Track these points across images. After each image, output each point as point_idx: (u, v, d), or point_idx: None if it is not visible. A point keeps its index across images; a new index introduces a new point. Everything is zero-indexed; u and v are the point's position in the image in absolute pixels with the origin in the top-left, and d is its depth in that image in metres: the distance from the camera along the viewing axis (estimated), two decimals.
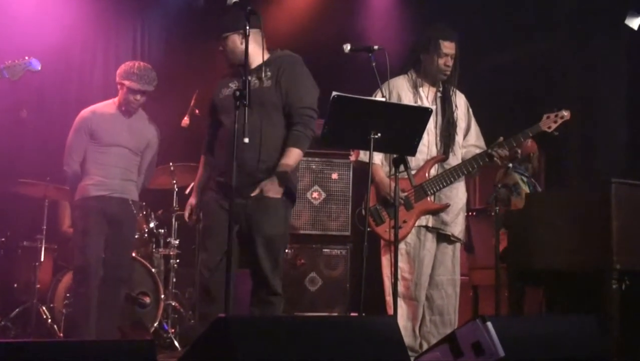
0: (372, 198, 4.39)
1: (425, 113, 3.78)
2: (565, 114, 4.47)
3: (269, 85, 4.01)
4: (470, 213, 6.35)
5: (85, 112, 4.99)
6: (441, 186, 4.38)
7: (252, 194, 3.91)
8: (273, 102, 3.99)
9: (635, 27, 6.85)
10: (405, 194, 4.32)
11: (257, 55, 4.01)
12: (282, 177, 3.93)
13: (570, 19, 7.21)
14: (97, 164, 4.89)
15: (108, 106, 5.02)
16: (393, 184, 3.87)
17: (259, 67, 4.04)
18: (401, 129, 3.73)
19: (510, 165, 4.78)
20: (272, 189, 3.92)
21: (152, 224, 6.02)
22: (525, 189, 5.72)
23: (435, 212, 4.40)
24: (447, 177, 4.39)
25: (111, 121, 4.96)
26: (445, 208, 4.40)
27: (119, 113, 4.99)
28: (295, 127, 3.99)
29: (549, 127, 4.47)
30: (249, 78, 3.77)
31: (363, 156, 4.39)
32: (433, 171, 4.42)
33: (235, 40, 4.04)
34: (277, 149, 3.98)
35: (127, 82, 4.87)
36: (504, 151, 4.39)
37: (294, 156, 3.97)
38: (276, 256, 3.97)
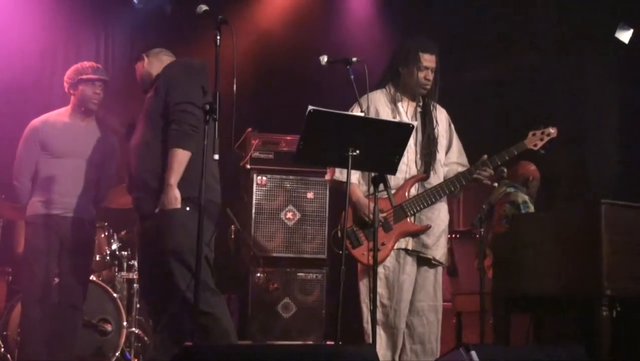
0: (349, 220, 4.37)
1: (407, 129, 3.79)
2: (552, 131, 4.47)
3: (151, 95, 4.14)
4: (453, 235, 6.37)
5: (35, 121, 4.90)
6: (422, 206, 4.38)
7: (156, 210, 3.95)
8: (157, 111, 4.08)
9: (626, 41, 6.95)
10: (384, 215, 4.30)
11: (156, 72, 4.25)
12: (167, 187, 3.93)
13: (557, 32, 7.29)
14: (48, 179, 4.78)
15: (61, 114, 4.92)
16: (371, 204, 3.87)
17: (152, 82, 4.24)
18: (381, 146, 3.73)
19: (496, 184, 4.80)
20: (167, 201, 3.92)
21: (114, 246, 5.97)
22: (532, 208, 5.77)
23: (415, 234, 4.40)
24: (428, 197, 4.39)
25: (65, 130, 4.85)
26: (425, 229, 4.39)
27: (74, 121, 4.89)
28: (170, 127, 4.00)
29: (535, 145, 4.47)
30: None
31: (339, 174, 4.38)
32: (413, 191, 4.42)
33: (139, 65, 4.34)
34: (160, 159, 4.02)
35: (83, 77, 4.81)
36: (488, 171, 4.40)
37: (173, 157, 3.95)
38: (188, 267, 3.92)
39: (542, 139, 4.47)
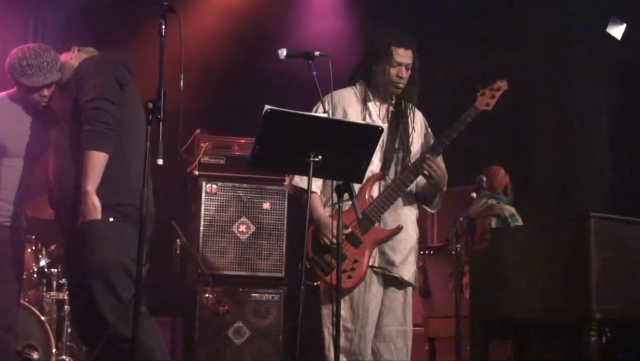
0: (312, 243, 4.34)
1: (375, 132, 3.79)
2: (502, 84, 4.45)
3: (64, 93, 4.14)
4: (426, 251, 6.40)
5: None
6: (385, 207, 4.37)
7: (77, 224, 3.93)
8: (68, 111, 4.08)
9: (618, 36, 7.05)
10: (349, 230, 4.30)
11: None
12: (84, 195, 3.90)
13: (544, 28, 7.38)
14: None
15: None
16: (334, 223, 3.85)
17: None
18: (346, 150, 3.73)
19: (474, 194, 4.83)
20: (86, 210, 3.90)
21: (42, 263, 5.89)
22: (521, 221, 5.81)
23: (388, 239, 4.38)
24: (389, 196, 4.37)
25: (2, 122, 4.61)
26: (397, 231, 4.37)
27: (13, 110, 4.72)
28: (82, 127, 3.96)
29: (487, 105, 4.45)
30: None
31: (298, 180, 4.37)
32: (375, 192, 4.41)
33: None
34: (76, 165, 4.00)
35: (24, 81, 4.57)
36: (429, 162, 4.34)
37: (87, 161, 3.91)
38: (112, 287, 3.90)
39: (493, 97, 4.44)
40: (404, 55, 4.42)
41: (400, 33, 4.48)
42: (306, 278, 4.27)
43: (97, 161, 3.92)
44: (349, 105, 4.46)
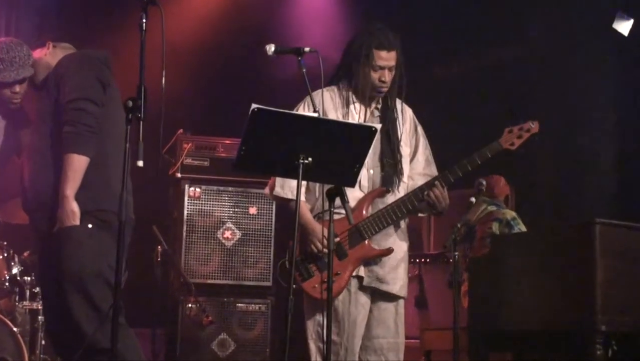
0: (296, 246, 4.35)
1: (369, 133, 3.79)
2: (533, 126, 4.46)
3: (42, 93, 4.15)
4: (422, 260, 6.41)
5: None
6: (380, 226, 4.36)
7: (54, 230, 3.93)
8: (47, 112, 4.09)
9: (625, 32, 7.08)
10: (337, 239, 4.29)
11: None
12: (63, 199, 3.91)
13: (546, 21, 7.40)
14: None
15: None
16: (324, 228, 3.84)
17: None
18: (338, 152, 3.73)
19: (473, 199, 4.83)
20: (64, 216, 3.91)
21: (15, 270, 5.87)
22: (523, 226, 5.82)
23: (375, 258, 4.38)
24: (388, 216, 4.37)
25: None
26: (388, 253, 4.38)
27: None
28: (63, 129, 3.99)
29: (512, 145, 4.47)
30: None
31: (279, 189, 4.36)
32: (371, 209, 4.41)
33: None
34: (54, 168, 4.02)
35: None
36: (437, 191, 4.34)
37: (67, 164, 3.94)
38: (89, 297, 3.91)
39: (520, 137, 4.46)
40: (386, 58, 4.37)
41: (382, 33, 4.39)
42: (284, 280, 4.29)
43: (78, 164, 3.92)
44: (328, 107, 4.44)
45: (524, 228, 5.82)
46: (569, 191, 7.24)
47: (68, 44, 4.36)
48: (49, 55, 4.27)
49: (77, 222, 3.90)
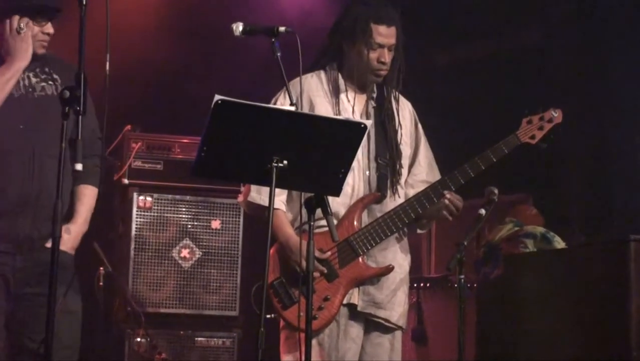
0: (274, 267, 4.34)
1: (357, 130, 3.78)
2: (555, 114, 4.49)
3: (52, 94, 4.18)
4: (422, 284, 6.43)
5: None
6: (377, 239, 4.37)
7: (47, 245, 3.94)
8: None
9: None
10: (325, 256, 4.29)
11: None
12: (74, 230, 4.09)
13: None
14: None
15: None
16: (304, 244, 3.82)
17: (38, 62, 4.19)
18: (320, 154, 3.73)
19: (483, 211, 4.83)
20: (69, 242, 4.04)
21: None
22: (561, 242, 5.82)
23: (371, 279, 4.38)
24: (386, 226, 4.37)
25: None
26: (387, 271, 4.38)
27: None
28: (93, 160, 4.21)
29: (532, 138, 4.49)
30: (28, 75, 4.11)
31: (255, 195, 4.35)
32: (365, 218, 4.42)
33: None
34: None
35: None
36: (449, 197, 4.37)
37: (94, 199, 4.26)
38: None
39: (541, 128, 4.48)
40: (386, 35, 4.38)
41: (380, 5, 4.42)
42: (259, 308, 4.28)
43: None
44: (315, 95, 4.44)
45: (562, 243, 5.80)
46: (598, 202, 7.28)
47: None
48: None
49: (73, 252, 4.19)
